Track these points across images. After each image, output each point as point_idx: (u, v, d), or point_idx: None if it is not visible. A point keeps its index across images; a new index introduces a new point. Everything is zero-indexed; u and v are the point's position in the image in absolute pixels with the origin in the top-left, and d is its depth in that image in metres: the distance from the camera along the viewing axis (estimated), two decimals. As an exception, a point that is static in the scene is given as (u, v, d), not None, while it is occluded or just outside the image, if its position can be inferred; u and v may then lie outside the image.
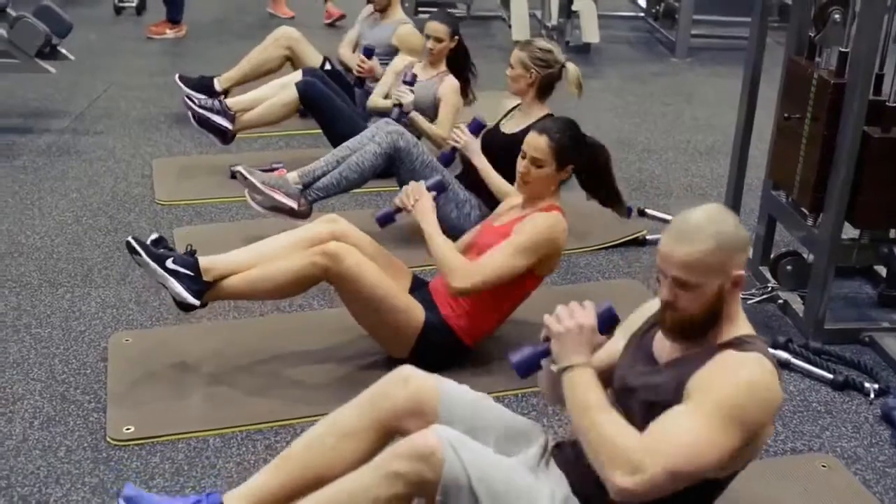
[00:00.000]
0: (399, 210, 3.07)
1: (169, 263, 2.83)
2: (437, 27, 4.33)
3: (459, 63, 4.42)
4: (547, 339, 2.01)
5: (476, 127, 3.77)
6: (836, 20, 3.12)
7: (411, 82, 4.30)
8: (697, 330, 1.95)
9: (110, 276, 3.60)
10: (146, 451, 2.63)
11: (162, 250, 2.89)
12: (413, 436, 1.97)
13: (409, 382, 2.17)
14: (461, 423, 2.09)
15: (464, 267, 2.90)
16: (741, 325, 1.98)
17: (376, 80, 4.69)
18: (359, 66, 4.73)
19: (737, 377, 1.85)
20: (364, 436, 2.13)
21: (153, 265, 2.82)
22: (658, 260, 1.93)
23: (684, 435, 1.81)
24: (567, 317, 1.97)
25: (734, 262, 1.90)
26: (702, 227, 1.88)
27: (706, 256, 1.87)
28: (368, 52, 4.75)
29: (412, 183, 3.08)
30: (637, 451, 1.80)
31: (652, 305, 2.16)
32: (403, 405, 2.14)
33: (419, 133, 4.23)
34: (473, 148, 3.73)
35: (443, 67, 4.41)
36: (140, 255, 2.82)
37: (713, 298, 1.91)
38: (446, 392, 2.17)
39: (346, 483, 1.98)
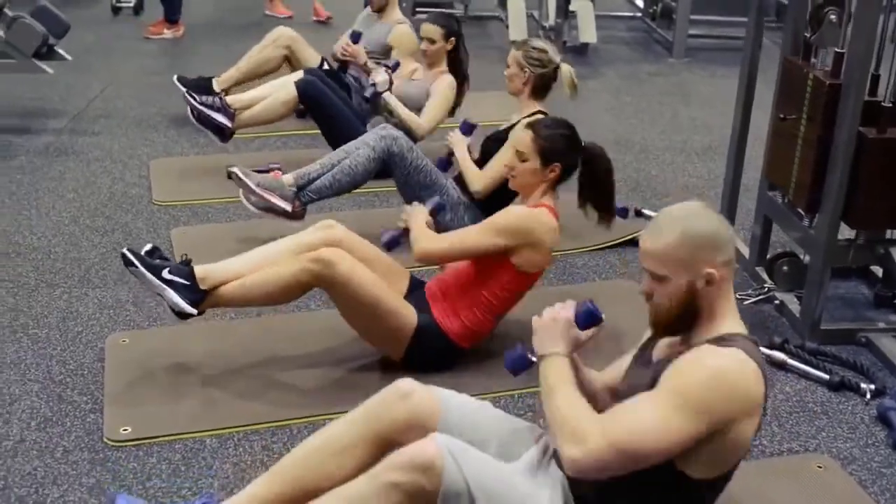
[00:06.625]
0: (405, 232, 3.10)
1: (165, 273, 2.84)
2: (431, 28, 4.34)
3: (454, 68, 4.44)
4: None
5: (466, 128, 3.86)
6: (831, 20, 3.12)
7: (393, 67, 4.40)
8: (674, 325, 1.97)
9: (107, 277, 3.60)
10: (143, 451, 2.63)
11: (157, 261, 2.89)
12: (412, 446, 1.95)
13: (410, 398, 2.15)
14: (461, 434, 2.08)
15: (433, 237, 3.01)
16: (728, 324, 1.97)
17: (360, 66, 4.71)
18: (343, 48, 4.75)
19: (702, 365, 1.85)
20: (359, 451, 2.12)
21: (149, 276, 2.82)
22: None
23: (635, 413, 1.84)
24: (547, 312, 2.06)
25: (704, 259, 1.90)
26: (672, 220, 1.92)
27: (671, 249, 1.89)
28: (355, 37, 4.77)
29: (415, 205, 3.17)
30: (586, 424, 1.83)
31: None
32: (403, 420, 2.12)
33: (396, 119, 4.30)
34: (457, 140, 3.83)
35: (443, 68, 4.42)
36: (136, 266, 2.82)
37: (685, 294, 1.92)
38: (447, 406, 2.16)
39: (343, 492, 1.97)
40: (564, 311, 2.05)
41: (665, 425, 1.80)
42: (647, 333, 2.16)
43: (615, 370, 2.22)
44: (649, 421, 1.81)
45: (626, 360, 2.20)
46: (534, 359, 2.07)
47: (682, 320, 1.96)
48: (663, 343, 2.05)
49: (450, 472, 1.90)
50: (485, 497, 1.91)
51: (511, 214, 2.98)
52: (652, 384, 1.89)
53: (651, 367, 2.02)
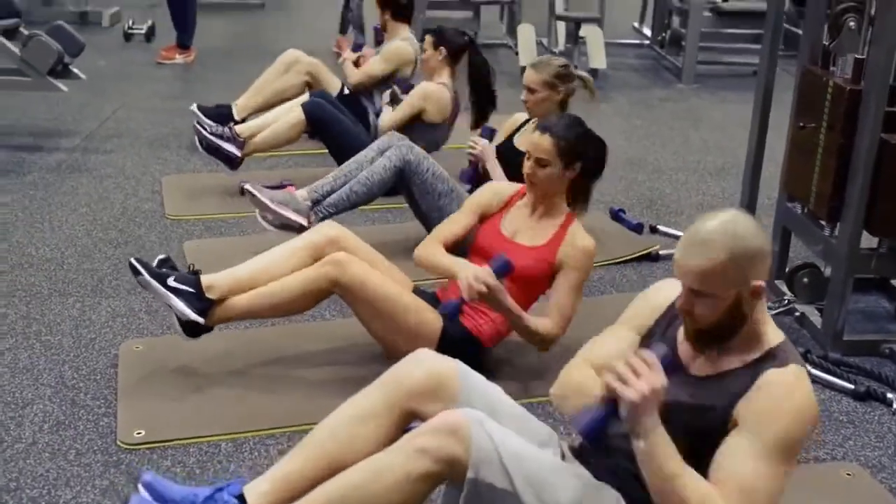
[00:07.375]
0: (465, 302, 2.78)
1: (170, 281, 2.83)
2: (426, 38, 4.52)
3: (475, 87, 4.36)
4: (609, 400, 1.82)
5: (488, 133, 3.82)
6: (851, 27, 3.11)
7: (405, 89, 4.59)
8: (717, 338, 1.91)
9: (120, 287, 3.57)
10: (157, 454, 2.59)
11: (165, 270, 2.88)
12: (438, 415, 1.92)
13: (427, 363, 2.12)
14: (481, 404, 2.04)
15: (547, 327, 2.88)
16: (771, 333, 1.93)
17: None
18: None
19: (792, 409, 1.82)
20: (381, 420, 2.08)
21: (155, 284, 2.82)
22: (674, 269, 1.88)
23: (767, 486, 1.79)
24: (634, 379, 1.78)
25: (752, 272, 1.84)
26: (714, 237, 1.81)
27: (719, 267, 1.80)
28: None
29: (476, 271, 2.75)
30: None
31: (657, 296, 2.10)
32: (421, 385, 2.08)
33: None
34: (489, 153, 3.73)
35: (443, 79, 4.46)
36: (142, 274, 2.82)
37: (731, 307, 1.86)
38: (465, 374, 2.11)
39: (372, 463, 1.92)
40: (657, 378, 1.78)
41: (784, 479, 1.81)
42: (645, 314, 2.08)
43: (606, 354, 2.07)
44: (778, 487, 1.81)
45: (618, 345, 2.07)
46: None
47: (723, 333, 1.90)
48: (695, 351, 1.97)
49: (479, 437, 1.85)
50: (517, 463, 1.86)
51: (588, 255, 2.93)
52: (721, 416, 1.86)
53: (695, 380, 1.94)
